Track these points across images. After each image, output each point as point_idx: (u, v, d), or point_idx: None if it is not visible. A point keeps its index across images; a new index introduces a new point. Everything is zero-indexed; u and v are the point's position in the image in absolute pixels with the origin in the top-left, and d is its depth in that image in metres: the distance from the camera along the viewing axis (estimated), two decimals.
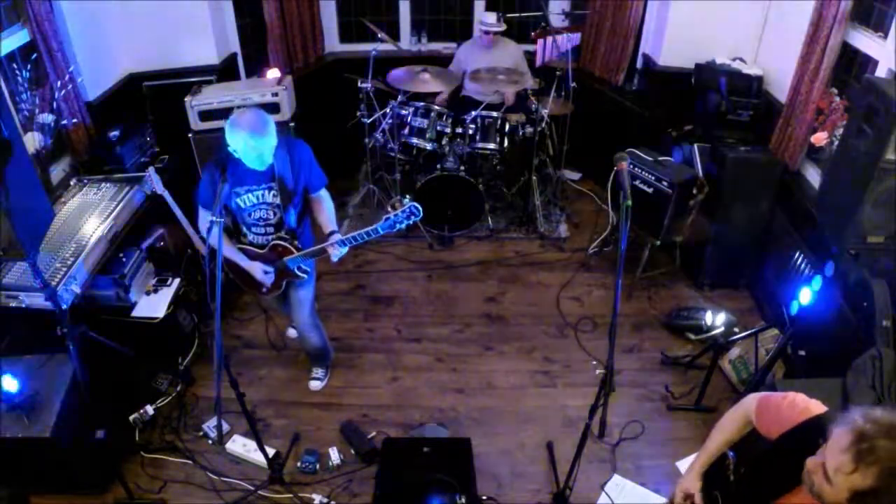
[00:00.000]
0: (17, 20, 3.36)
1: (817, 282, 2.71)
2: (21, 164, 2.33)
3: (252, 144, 2.45)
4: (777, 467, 1.64)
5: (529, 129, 4.51)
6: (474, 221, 4.63)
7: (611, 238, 4.49)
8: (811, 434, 1.51)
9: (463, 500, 2.47)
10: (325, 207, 2.84)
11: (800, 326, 2.84)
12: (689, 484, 1.94)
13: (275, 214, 2.80)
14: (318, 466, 3.04)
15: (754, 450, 1.92)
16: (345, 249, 2.74)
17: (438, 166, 4.41)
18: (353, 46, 5.62)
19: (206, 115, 3.93)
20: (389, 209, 2.67)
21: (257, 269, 2.85)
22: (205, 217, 2.74)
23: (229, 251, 2.80)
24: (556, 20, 4.95)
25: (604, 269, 4.42)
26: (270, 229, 2.84)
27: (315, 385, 3.49)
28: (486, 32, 4.61)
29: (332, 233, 2.75)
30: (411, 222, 2.63)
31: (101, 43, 3.95)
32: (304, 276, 2.93)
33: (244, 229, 2.88)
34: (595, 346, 3.76)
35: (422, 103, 4.50)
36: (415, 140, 4.48)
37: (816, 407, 1.64)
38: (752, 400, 1.86)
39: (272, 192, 2.73)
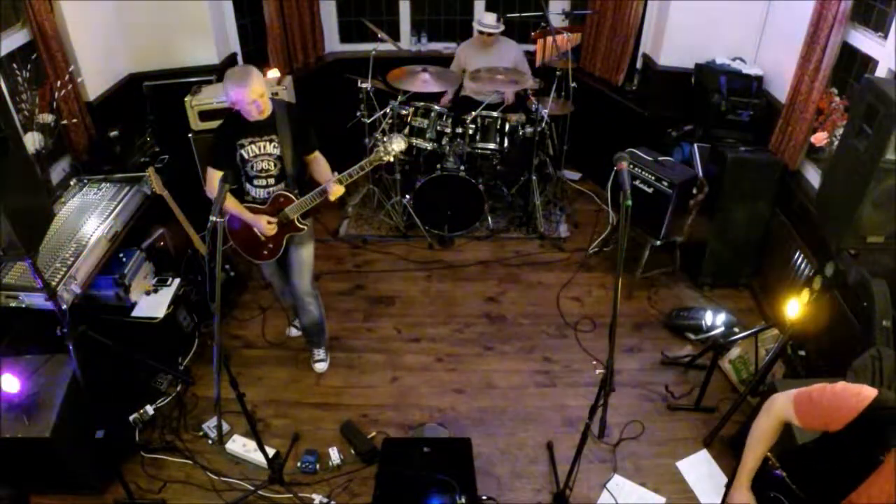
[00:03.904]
0: (17, 20, 3.36)
1: (817, 282, 2.71)
2: (20, 164, 2.33)
3: (241, 93, 2.72)
4: (849, 461, 1.67)
5: (529, 129, 4.51)
6: (474, 221, 4.63)
7: (611, 238, 4.49)
8: (880, 419, 1.57)
9: (463, 500, 2.47)
10: (321, 164, 3.09)
11: (799, 327, 2.84)
12: (745, 500, 1.94)
13: (275, 165, 2.98)
14: (318, 466, 3.04)
15: (788, 445, 1.93)
16: (342, 188, 2.98)
17: (438, 166, 4.41)
18: (353, 46, 5.62)
19: (206, 115, 3.93)
20: (379, 145, 2.92)
21: (262, 220, 3.00)
22: (213, 175, 2.94)
23: (234, 207, 2.99)
24: (556, 20, 4.94)
25: (604, 269, 4.42)
26: (272, 181, 3.01)
27: (320, 367, 3.57)
28: (482, 33, 4.61)
29: (327, 180, 3.00)
30: (398, 153, 2.95)
31: (101, 43, 3.95)
32: (304, 228, 3.10)
33: (247, 185, 3.05)
34: (595, 346, 3.76)
35: (422, 103, 4.50)
36: (415, 140, 4.48)
37: (869, 391, 1.65)
38: (784, 403, 1.84)
39: (273, 144, 2.93)
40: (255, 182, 3.02)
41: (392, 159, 2.97)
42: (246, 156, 2.94)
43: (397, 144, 2.90)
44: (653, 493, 2.93)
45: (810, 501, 1.86)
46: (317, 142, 3.06)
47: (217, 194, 2.36)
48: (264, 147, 2.93)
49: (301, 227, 3.09)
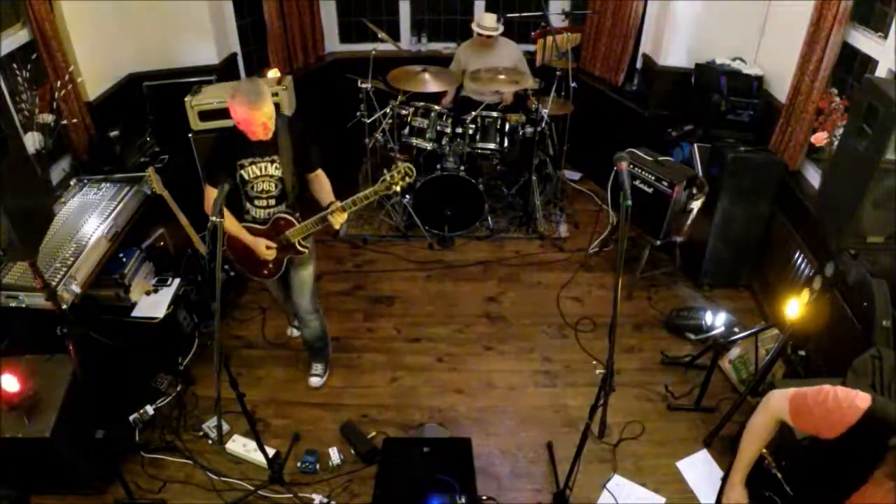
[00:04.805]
0: (17, 20, 3.36)
1: (817, 282, 2.71)
2: (20, 164, 2.33)
3: (250, 111, 2.59)
4: (843, 469, 1.66)
5: (529, 129, 4.51)
6: (474, 221, 4.63)
7: (611, 238, 4.49)
8: (873, 432, 1.56)
9: (463, 500, 2.47)
10: (323, 184, 2.96)
11: (799, 327, 2.84)
12: (739, 498, 1.95)
13: (276, 187, 2.88)
14: (318, 466, 3.04)
15: (787, 442, 1.93)
16: (345, 215, 2.84)
17: (438, 166, 4.41)
18: (353, 46, 5.63)
19: (206, 115, 3.93)
20: (385, 172, 2.75)
21: (261, 245, 2.91)
22: (211, 194, 2.81)
23: (233, 228, 2.90)
24: (556, 20, 4.94)
25: (604, 269, 4.42)
26: (272, 202, 2.92)
27: (315, 382, 3.50)
28: (480, 35, 4.60)
29: (331, 203, 2.85)
30: (405, 183, 2.74)
31: (101, 43, 3.95)
32: (305, 251, 3.00)
33: (247, 205, 2.96)
34: (595, 346, 3.76)
35: (422, 103, 4.50)
36: (415, 140, 4.48)
37: (862, 400, 1.64)
38: (781, 400, 1.84)
39: (275, 165, 2.82)
40: (256, 203, 2.92)
41: (399, 189, 2.80)
42: (246, 177, 2.83)
43: (405, 178, 2.72)
44: (653, 493, 2.93)
45: (803, 503, 1.86)
46: (319, 160, 2.94)
47: (217, 194, 2.35)
48: (265, 168, 2.82)
49: (302, 250, 2.99)
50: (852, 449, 1.62)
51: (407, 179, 2.73)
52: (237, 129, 2.71)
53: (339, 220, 2.82)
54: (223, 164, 2.80)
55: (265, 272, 3.08)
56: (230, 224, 2.86)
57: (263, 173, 2.84)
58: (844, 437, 1.63)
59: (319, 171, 2.96)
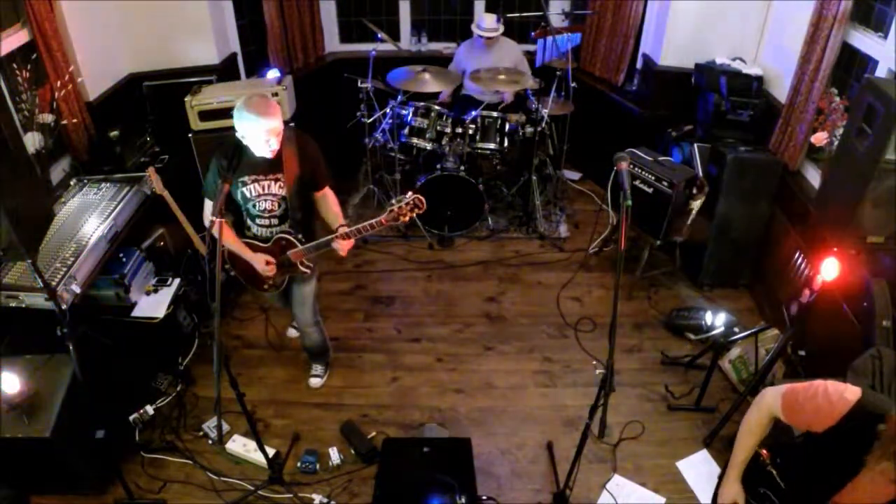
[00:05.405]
0: (17, 20, 3.36)
1: (816, 282, 2.71)
2: (20, 164, 2.33)
3: (259, 127, 2.48)
4: (834, 462, 1.68)
5: (529, 129, 4.51)
6: (474, 221, 4.63)
7: (611, 238, 4.49)
8: (861, 423, 1.57)
9: (463, 500, 2.47)
10: (331, 204, 2.86)
11: (799, 326, 2.84)
12: (734, 494, 1.97)
13: (280, 206, 2.77)
14: (318, 466, 3.04)
15: (782, 438, 1.95)
16: (350, 242, 2.74)
17: (438, 166, 4.41)
18: (353, 46, 5.63)
19: (206, 115, 3.92)
20: (394, 202, 2.63)
21: (260, 261, 2.81)
22: (210, 208, 2.74)
23: (232, 243, 2.80)
24: (556, 20, 4.95)
25: (604, 269, 4.42)
26: (275, 221, 2.81)
27: (315, 382, 3.49)
28: (480, 37, 4.60)
29: (339, 227, 2.75)
30: (415, 214, 2.61)
31: (101, 43, 3.95)
32: (308, 271, 2.92)
33: (248, 221, 2.86)
34: (595, 346, 3.76)
35: (422, 103, 4.50)
36: (415, 140, 4.48)
37: (852, 393, 1.65)
38: (774, 397, 1.85)
39: (278, 184, 2.71)
40: (258, 221, 2.81)
41: (408, 220, 2.63)
42: (248, 194, 2.72)
43: (415, 209, 2.58)
44: (653, 493, 2.93)
45: (797, 498, 1.87)
46: (327, 177, 2.82)
47: (217, 194, 2.35)
48: (269, 186, 2.70)
49: (304, 270, 2.89)
50: (842, 441, 1.63)
51: (416, 211, 2.58)
52: (240, 143, 2.60)
53: (344, 248, 2.71)
54: (223, 179, 2.52)
55: (265, 287, 3.00)
56: (229, 238, 2.75)
57: (266, 192, 2.73)
58: (834, 428, 1.64)
59: (327, 190, 2.84)
